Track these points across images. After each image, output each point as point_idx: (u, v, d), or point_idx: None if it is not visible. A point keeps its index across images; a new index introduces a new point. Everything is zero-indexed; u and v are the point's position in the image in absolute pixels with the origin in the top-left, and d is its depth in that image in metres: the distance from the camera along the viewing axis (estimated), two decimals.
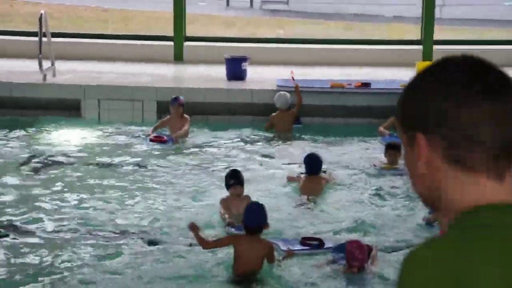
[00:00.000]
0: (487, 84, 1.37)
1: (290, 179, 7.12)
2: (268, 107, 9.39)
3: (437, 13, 14.96)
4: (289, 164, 7.80)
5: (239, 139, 8.71)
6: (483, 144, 1.35)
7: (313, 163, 6.98)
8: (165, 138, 8.47)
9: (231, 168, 6.71)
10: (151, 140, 8.44)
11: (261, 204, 5.37)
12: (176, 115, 8.63)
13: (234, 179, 6.20)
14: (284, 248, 5.56)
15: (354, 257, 5.15)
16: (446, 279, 1.27)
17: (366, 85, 9.59)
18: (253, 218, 5.23)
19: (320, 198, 6.78)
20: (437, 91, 1.38)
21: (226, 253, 5.39)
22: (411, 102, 1.40)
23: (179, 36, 11.39)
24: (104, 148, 8.36)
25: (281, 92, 9.05)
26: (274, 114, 8.96)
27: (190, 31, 12.36)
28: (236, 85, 9.75)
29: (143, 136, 8.64)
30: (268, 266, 5.29)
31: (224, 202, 6.20)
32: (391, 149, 7.45)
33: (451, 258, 1.29)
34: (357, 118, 9.37)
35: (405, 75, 10.11)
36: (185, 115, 8.69)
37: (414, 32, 12.40)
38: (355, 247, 5.18)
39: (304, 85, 9.57)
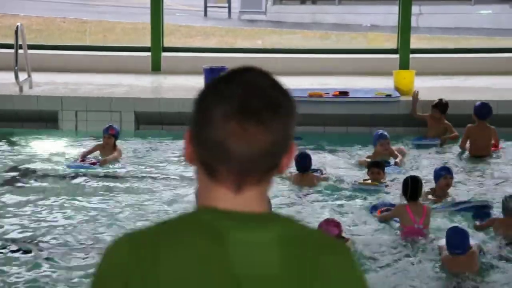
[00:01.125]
0: (242, 102, 1.43)
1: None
2: None
3: (414, 22, 15.10)
4: None
5: None
6: (227, 158, 1.43)
7: (303, 160, 7.29)
8: (94, 160, 7.98)
9: None
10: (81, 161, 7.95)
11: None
12: (107, 144, 8.08)
13: None
14: None
15: (329, 233, 5.41)
16: (134, 263, 1.42)
17: (344, 94, 9.65)
18: None
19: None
20: (203, 98, 1.47)
21: None
22: (194, 104, 1.49)
23: (157, 46, 11.39)
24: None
25: None
26: None
27: (168, 42, 12.36)
28: None
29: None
30: None
31: None
32: (374, 167, 7.35)
33: (144, 245, 1.44)
34: (335, 126, 9.41)
35: (382, 83, 10.20)
36: (118, 146, 8.15)
37: (391, 41, 12.50)
38: (332, 226, 5.63)
39: None
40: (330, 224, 5.69)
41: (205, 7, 21.22)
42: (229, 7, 21.09)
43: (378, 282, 5.37)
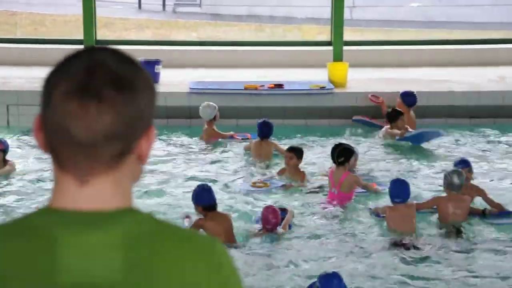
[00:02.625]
0: (82, 80, 1.32)
1: (247, 148, 8.16)
2: (181, 110, 9.37)
3: (348, 15, 15.27)
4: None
5: (162, 140, 8.70)
6: (69, 142, 1.32)
7: (265, 127, 7.94)
8: None
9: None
10: None
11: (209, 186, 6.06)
12: None
13: None
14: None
15: (268, 221, 5.90)
16: None
17: (279, 86, 9.70)
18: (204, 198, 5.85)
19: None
20: (48, 78, 1.37)
21: None
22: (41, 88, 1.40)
23: (90, 39, 11.22)
24: (14, 154, 8.14)
25: (207, 103, 8.67)
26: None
27: (102, 34, 12.20)
28: None
29: None
30: None
31: None
32: (291, 151, 7.29)
33: None
34: (271, 119, 9.45)
35: (317, 76, 10.29)
36: (10, 162, 7.56)
37: (325, 33, 12.62)
38: (270, 211, 5.93)
39: (217, 87, 9.61)
40: (268, 210, 5.97)
41: None
42: (164, 0, 20.92)
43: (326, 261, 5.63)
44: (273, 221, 5.94)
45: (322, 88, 9.70)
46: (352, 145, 7.22)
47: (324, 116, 9.36)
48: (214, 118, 8.61)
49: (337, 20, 10.95)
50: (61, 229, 1.32)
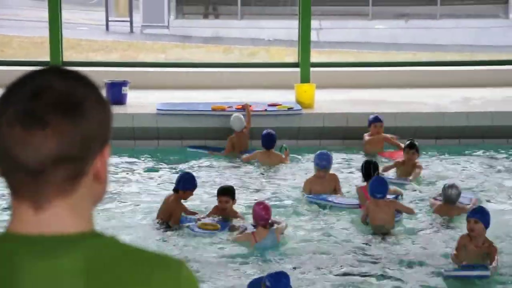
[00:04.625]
0: (26, 105, 1.31)
1: (246, 160, 8.54)
2: (149, 131, 9.35)
3: (315, 36, 15.41)
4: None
5: (129, 162, 8.66)
6: (17, 168, 1.31)
7: (269, 138, 8.44)
8: None
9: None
10: None
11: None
12: None
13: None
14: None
15: (261, 216, 6.10)
16: None
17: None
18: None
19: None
20: None
21: None
22: None
23: (57, 61, 11.16)
24: None
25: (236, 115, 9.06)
26: (232, 136, 9.01)
27: (69, 56, 12.14)
28: (116, 109, 9.61)
29: None
30: None
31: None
32: (222, 195, 7.02)
33: None
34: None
35: (284, 97, 10.34)
36: None
37: (292, 55, 12.71)
38: (262, 208, 6.12)
39: (185, 108, 9.60)
40: (260, 206, 6.15)
41: (107, 21, 20.97)
42: (131, 21, 20.92)
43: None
44: (266, 217, 6.09)
45: (290, 109, 9.75)
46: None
47: (292, 137, 9.40)
48: (245, 127, 9.05)
49: (304, 42, 11.04)
50: (21, 255, 1.29)
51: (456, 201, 6.82)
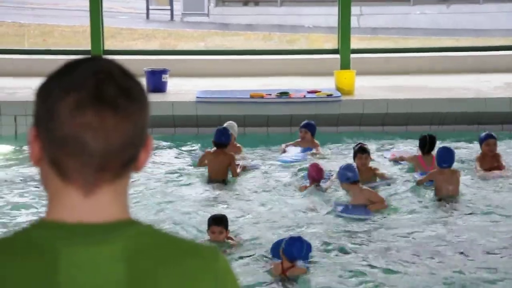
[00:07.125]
0: (96, 90, 1.29)
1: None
2: (188, 119, 9.39)
3: (355, 23, 15.29)
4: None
5: (166, 149, 8.70)
6: (82, 153, 1.29)
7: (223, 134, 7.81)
8: None
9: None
10: None
11: None
12: None
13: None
14: None
15: (312, 176, 6.96)
16: None
17: (285, 94, 9.69)
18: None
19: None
20: (47, 90, 1.34)
21: None
22: (36, 99, 1.37)
23: (97, 50, 11.27)
24: (23, 165, 8.18)
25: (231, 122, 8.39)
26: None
27: (110, 45, 12.25)
28: (156, 97, 9.71)
29: None
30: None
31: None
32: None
33: None
34: (278, 127, 9.46)
35: (324, 84, 10.29)
36: None
37: (332, 42, 12.63)
38: (314, 169, 6.99)
39: (224, 96, 9.62)
40: (314, 167, 6.98)
41: (147, 9, 21.11)
42: (172, 10, 21.02)
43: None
44: (317, 177, 6.93)
45: (329, 95, 9.70)
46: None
47: (331, 123, 9.35)
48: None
49: (344, 28, 10.96)
50: (62, 244, 1.30)
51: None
